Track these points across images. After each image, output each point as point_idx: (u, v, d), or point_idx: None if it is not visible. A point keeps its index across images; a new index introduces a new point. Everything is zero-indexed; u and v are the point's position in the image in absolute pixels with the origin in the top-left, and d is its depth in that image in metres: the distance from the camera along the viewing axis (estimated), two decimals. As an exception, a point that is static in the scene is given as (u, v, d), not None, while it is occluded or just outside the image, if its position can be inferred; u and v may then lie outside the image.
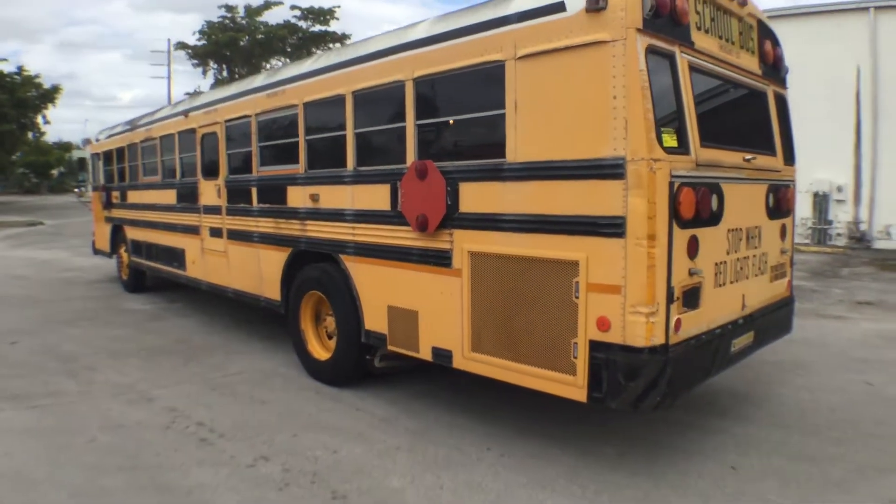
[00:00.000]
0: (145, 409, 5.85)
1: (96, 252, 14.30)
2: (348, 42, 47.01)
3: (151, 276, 11.82)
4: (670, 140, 4.10)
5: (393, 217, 5.44)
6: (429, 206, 5.02)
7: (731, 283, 4.86)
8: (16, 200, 55.08)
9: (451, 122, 5.24)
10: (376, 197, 5.60)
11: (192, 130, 8.77)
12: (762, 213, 5.36)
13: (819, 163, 16.26)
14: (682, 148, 4.18)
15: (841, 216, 18.77)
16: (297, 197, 6.63)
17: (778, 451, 4.93)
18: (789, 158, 5.93)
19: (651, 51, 4.01)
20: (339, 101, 5.94)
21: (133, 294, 11.99)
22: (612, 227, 4.01)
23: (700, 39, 4.53)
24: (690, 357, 4.30)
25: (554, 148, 4.27)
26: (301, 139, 6.49)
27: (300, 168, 6.55)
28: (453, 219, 4.93)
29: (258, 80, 7.51)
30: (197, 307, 10.64)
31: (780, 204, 5.61)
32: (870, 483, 4.51)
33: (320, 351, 6.63)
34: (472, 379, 5.39)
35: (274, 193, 7.04)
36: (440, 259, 5.06)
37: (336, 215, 6.10)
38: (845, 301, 11.30)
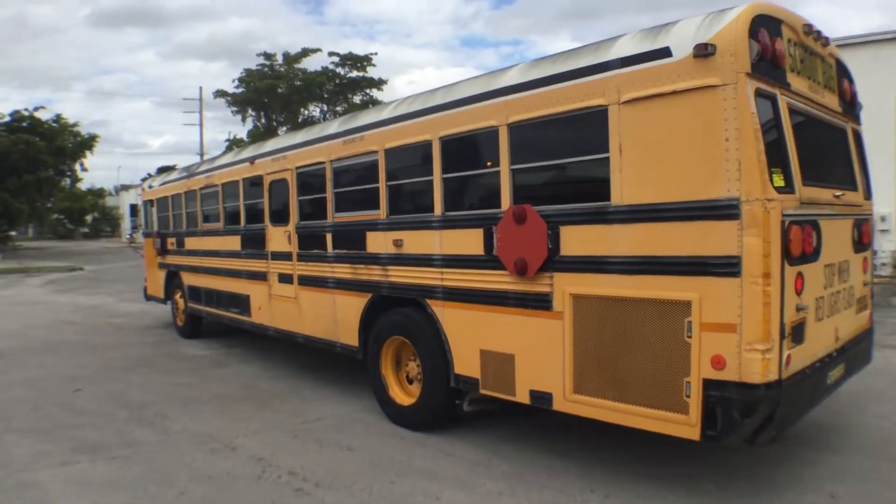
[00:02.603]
0: (231, 459, 5.82)
1: (148, 298, 14.44)
2: (385, 87, 47.65)
3: (208, 322, 11.90)
4: (779, 180, 4.16)
5: (487, 261, 5.47)
6: (528, 250, 5.05)
7: (828, 317, 4.91)
8: (52, 245, 56.16)
9: (548, 166, 5.30)
10: (468, 241, 5.64)
11: (259, 177, 8.91)
12: (849, 247, 5.41)
13: (863, 193, 16.04)
14: (789, 187, 4.26)
15: (885, 245, 18.51)
16: (378, 242, 6.68)
17: (871, 479, 5.04)
18: (868, 193, 6.03)
19: (758, 94, 4.09)
20: (424, 147, 6.02)
21: (190, 340, 12.05)
22: (726, 267, 4.04)
23: (794, 81, 4.64)
24: (798, 391, 4.37)
25: (662, 190, 4.31)
26: (382, 185, 6.57)
27: (381, 214, 6.61)
28: (554, 262, 4.95)
29: (332, 127, 7.61)
30: (258, 353, 10.66)
31: (862, 238, 5.67)
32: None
33: (402, 396, 6.62)
34: (560, 421, 5.39)
35: (351, 239, 7.10)
36: (540, 302, 5.07)
37: (422, 260, 6.14)
38: (903, 331, 11.20)
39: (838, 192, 5.15)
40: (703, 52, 4.06)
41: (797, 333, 4.35)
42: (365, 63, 48.66)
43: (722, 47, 4.02)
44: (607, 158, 4.57)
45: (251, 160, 9.20)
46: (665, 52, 4.28)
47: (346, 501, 4.89)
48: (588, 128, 4.72)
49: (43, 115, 46.02)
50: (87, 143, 47.81)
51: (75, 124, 47.77)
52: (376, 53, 54.05)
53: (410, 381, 6.61)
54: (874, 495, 4.72)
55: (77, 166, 49.14)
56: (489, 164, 5.54)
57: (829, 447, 5.68)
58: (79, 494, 5.14)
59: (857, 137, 6.01)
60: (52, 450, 6.11)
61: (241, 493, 5.11)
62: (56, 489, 5.24)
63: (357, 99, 49.40)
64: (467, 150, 5.78)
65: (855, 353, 5.49)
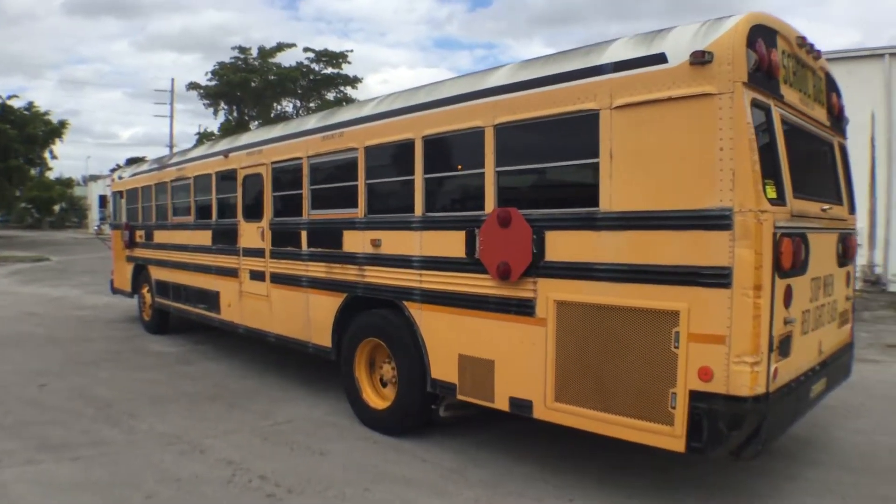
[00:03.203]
0: (200, 462, 5.63)
1: (115, 291, 14.09)
2: (359, 85, 47.41)
3: (175, 318, 11.62)
4: (771, 191, 4.11)
5: (468, 264, 5.34)
6: (512, 254, 4.93)
7: (812, 330, 4.88)
8: (19, 235, 54.92)
9: (535, 169, 5.20)
10: (449, 243, 5.50)
11: (233, 171, 8.69)
12: (834, 261, 5.39)
13: (835, 207, 16.27)
14: (780, 199, 4.21)
15: (857, 260, 18.71)
16: (355, 242, 6.52)
17: (851, 494, 5.04)
18: (852, 207, 6.02)
19: (753, 104, 4.03)
20: (406, 145, 5.87)
21: (156, 335, 11.75)
22: (716, 278, 3.97)
23: (787, 93, 4.59)
24: (784, 404, 4.33)
25: (653, 198, 4.23)
26: (361, 183, 6.41)
27: (359, 212, 6.45)
28: (538, 267, 4.84)
29: (311, 122, 7.43)
30: (226, 350, 10.43)
31: (846, 252, 5.65)
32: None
33: (376, 399, 6.46)
34: (539, 428, 5.32)
35: (328, 237, 6.93)
36: (522, 308, 4.95)
37: (401, 261, 5.99)
38: (875, 345, 11.28)
39: (825, 206, 5.13)
40: (700, 59, 3.99)
41: (784, 346, 4.30)
42: (340, 60, 48.28)
43: (719, 55, 3.95)
44: (597, 164, 4.47)
45: (225, 153, 8.98)
46: (660, 58, 4.19)
47: (318, 509, 4.74)
48: (578, 132, 4.63)
49: (15, 104, 44.96)
50: (57, 130, 46.78)
51: (47, 112, 46.80)
52: (352, 51, 53.64)
53: (384, 384, 6.46)
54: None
55: (47, 154, 48.15)
56: (467, 166, 5.43)
57: (809, 462, 5.66)
58: (43, 495, 4.95)
59: (844, 152, 6.01)
60: (15, 448, 5.89)
61: (211, 498, 4.93)
62: (19, 489, 5.03)
63: (331, 96, 49.01)
64: (451, 151, 5.65)
65: (836, 367, 5.48)
